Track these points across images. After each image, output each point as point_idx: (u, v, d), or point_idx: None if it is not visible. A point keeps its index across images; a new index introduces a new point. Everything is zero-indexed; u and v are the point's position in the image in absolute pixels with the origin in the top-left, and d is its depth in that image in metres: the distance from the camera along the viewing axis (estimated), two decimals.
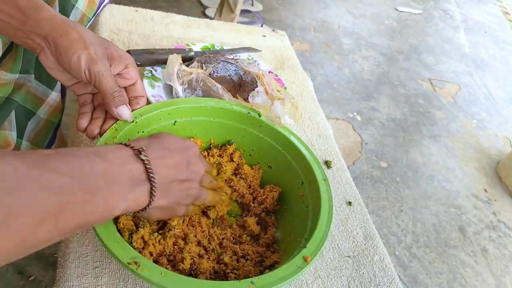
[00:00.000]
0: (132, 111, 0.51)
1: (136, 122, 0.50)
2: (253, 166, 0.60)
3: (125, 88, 0.52)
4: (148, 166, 0.39)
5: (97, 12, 0.62)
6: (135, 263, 0.37)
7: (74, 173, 0.33)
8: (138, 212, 0.41)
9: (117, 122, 0.49)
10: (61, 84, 0.68)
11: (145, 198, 0.39)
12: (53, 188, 0.31)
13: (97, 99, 0.53)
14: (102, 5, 0.63)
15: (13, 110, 0.61)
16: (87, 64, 0.45)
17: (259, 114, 0.57)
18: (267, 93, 0.62)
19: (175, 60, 0.64)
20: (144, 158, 0.39)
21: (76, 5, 0.58)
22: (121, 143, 0.41)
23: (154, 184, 0.39)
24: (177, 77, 0.64)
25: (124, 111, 0.49)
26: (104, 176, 0.35)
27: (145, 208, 0.40)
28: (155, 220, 0.46)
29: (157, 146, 0.43)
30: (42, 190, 0.30)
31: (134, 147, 0.40)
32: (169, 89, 0.69)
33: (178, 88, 0.64)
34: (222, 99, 0.62)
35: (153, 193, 0.39)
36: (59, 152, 0.34)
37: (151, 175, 0.39)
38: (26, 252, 0.31)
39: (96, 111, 0.51)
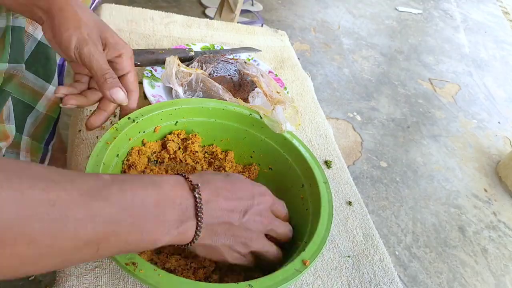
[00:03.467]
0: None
1: (137, 122, 0.50)
2: (248, 166, 0.60)
3: None
4: (198, 204, 0.38)
5: (92, 6, 0.62)
6: (133, 264, 0.37)
7: (125, 204, 0.33)
8: (182, 246, 0.40)
9: (118, 122, 0.49)
10: (59, 78, 0.68)
11: (190, 234, 0.38)
12: (101, 217, 0.31)
13: (92, 83, 0.51)
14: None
15: (11, 103, 0.61)
16: (77, 44, 0.44)
17: (260, 116, 0.57)
18: (266, 95, 0.62)
19: (172, 62, 0.64)
20: (197, 195, 0.38)
21: None
22: (179, 174, 0.40)
23: (200, 223, 0.38)
24: (176, 78, 0.64)
25: (118, 94, 0.46)
26: (153, 208, 0.35)
27: (188, 243, 0.39)
28: (200, 256, 0.43)
29: (216, 183, 0.41)
30: (89, 220, 0.30)
31: (191, 181, 0.39)
32: (169, 89, 0.69)
33: (178, 90, 0.64)
34: (223, 99, 0.62)
35: (198, 231, 0.38)
36: (116, 179, 0.34)
37: (200, 214, 0.38)
38: (63, 267, 0.32)
39: (87, 92, 0.50)
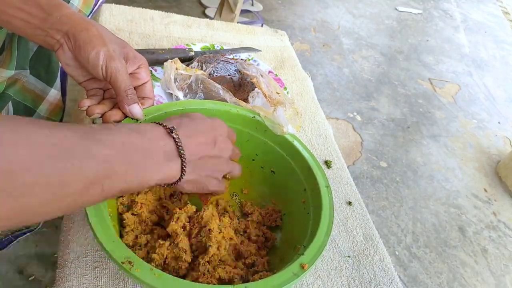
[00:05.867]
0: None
1: (140, 122, 0.50)
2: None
3: (134, 88, 0.53)
4: (178, 144, 0.42)
5: (94, 9, 0.62)
6: (129, 262, 0.37)
7: (117, 146, 0.37)
8: (171, 184, 0.44)
9: (122, 122, 0.50)
10: (61, 82, 0.68)
11: (177, 172, 0.43)
12: (100, 157, 0.35)
13: (106, 95, 0.53)
14: (99, 2, 0.63)
15: (11, 107, 0.61)
16: (105, 60, 0.46)
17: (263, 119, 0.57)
18: (265, 96, 0.62)
19: (170, 67, 0.64)
20: (175, 136, 0.43)
21: (71, 1, 0.58)
22: (155, 122, 0.44)
23: (184, 160, 0.43)
24: (176, 82, 0.64)
25: (135, 109, 0.50)
26: (141, 150, 0.39)
27: (177, 181, 0.43)
28: (189, 192, 0.48)
29: (187, 125, 0.46)
30: (91, 158, 0.34)
31: (166, 126, 0.43)
32: None
33: (179, 94, 0.64)
34: (223, 100, 0.62)
35: (184, 168, 0.43)
36: (105, 126, 0.38)
37: (182, 151, 0.42)
38: (75, 210, 0.37)
39: (104, 101, 0.52)
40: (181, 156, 0.43)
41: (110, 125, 0.40)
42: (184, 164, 0.43)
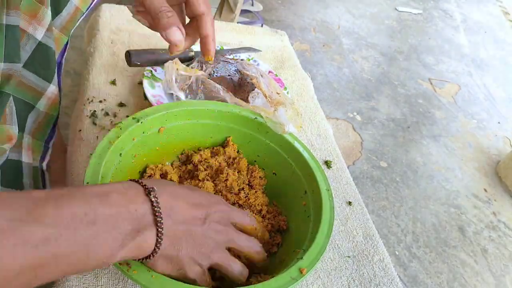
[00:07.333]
0: (204, 55, 0.45)
1: (141, 122, 0.50)
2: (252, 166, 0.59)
3: (188, 22, 0.45)
4: (156, 209, 0.35)
5: (91, 5, 0.62)
6: (127, 264, 0.37)
7: (62, 222, 0.30)
8: (141, 260, 0.37)
9: (122, 121, 0.49)
10: (58, 76, 0.68)
11: (150, 244, 0.35)
12: (33, 241, 0.28)
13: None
14: (96, 1, 0.63)
15: (13, 104, 0.60)
16: None
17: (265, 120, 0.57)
18: (265, 96, 0.62)
19: (171, 68, 0.64)
20: (153, 199, 0.35)
21: None
22: (133, 180, 0.37)
23: (161, 229, 0.35)
24: (176, 83, 0.64)
25: (174, 34, 0.42)
26: (101, 222, 0.31)
27: (149, 256, 0.36)
28: (161, 272, 0.38)
29: (174, 188, 0.38)
30: (19, 244, 0.28)
31: (145, 185, 0.36)
32: None
33: (180, 95, 0.64)
34: (225, 100, 0.62)
35: (159, 239, 0.35)
36: (52, 195, 0.31)
37: (159, 219, 0.34)
38: None
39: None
40: (157, 224, 0.34)
41: (64, 191, 0.32)
42: (160, 235, 0.35)
